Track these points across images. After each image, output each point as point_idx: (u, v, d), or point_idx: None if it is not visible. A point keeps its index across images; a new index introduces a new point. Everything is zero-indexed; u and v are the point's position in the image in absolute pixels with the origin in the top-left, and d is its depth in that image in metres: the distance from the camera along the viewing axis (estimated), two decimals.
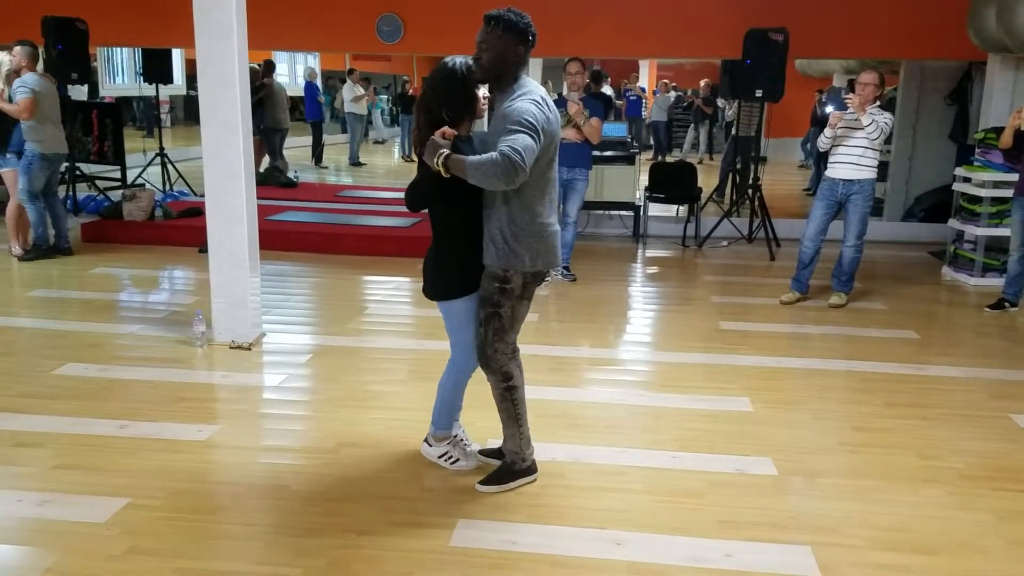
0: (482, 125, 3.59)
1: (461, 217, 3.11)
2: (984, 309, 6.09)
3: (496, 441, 3.52)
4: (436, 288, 3.23)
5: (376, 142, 19.20)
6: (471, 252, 3.12)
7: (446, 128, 2.98)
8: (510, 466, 3.32)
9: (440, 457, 3.46)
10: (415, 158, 3.19)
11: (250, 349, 4.88)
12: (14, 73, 6.60)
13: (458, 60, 3.05)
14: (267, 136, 10.73)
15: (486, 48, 2.95)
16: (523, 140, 2.80)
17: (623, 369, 4.81)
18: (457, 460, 3.45)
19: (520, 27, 2.95)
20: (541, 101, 2.94)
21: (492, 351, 3.15)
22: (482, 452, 3.52)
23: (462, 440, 3.54)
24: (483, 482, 3.30)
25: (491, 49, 2.95)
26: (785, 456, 3.64)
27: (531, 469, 3.34)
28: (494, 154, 2.80)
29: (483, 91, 3.11)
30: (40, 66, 6.98)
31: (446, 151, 2.88)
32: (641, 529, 3.04)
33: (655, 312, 6.17)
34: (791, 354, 5.08)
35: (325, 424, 3.92)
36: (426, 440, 3.52)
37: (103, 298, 5.99)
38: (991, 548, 2.98)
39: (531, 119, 2.85)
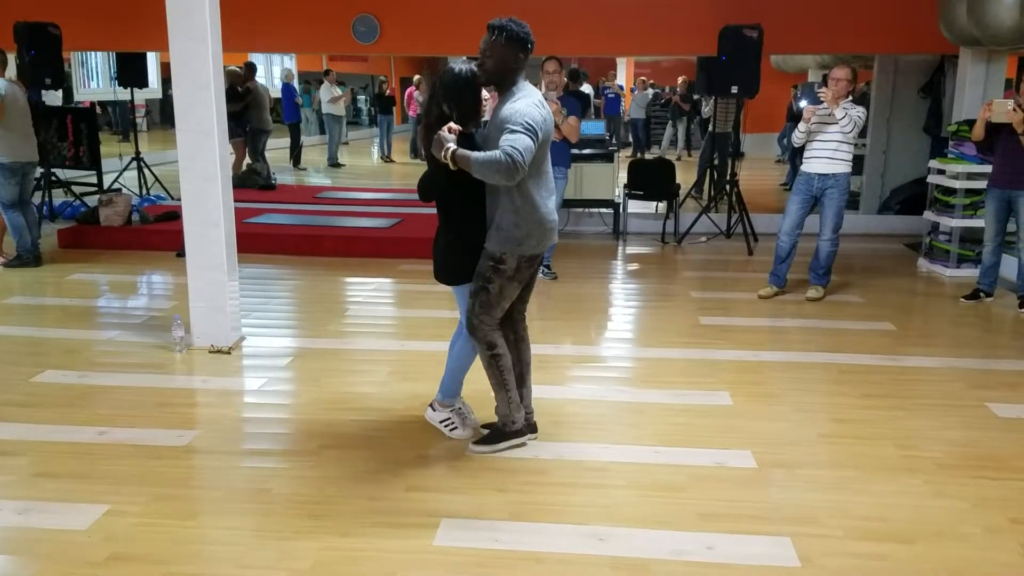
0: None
1: (472, 205, 3.37)
2: (960, 300, 6.16)
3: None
4: (452, 273, 3.49)
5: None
6: (481, 238, 3.38)
7: (452, 124, 3.23)
8: (501, 428, 3.61)
9: (442, 422, 3.71)
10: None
11: (230, 353, 4.86)
12: None
13: (463, 66, 3.33)
14: (254, 137, 10.69)
15: (490, 55, 3.26)
16: (523, 141, 3.09)
17: (605, 366, 4.83)
18: (456, 428, 3.70)
19: (521, 36, 3.25)
20: (539, 104, 3.24)
21: (478, 321, 3.43)
22: (484, 427, 3.74)
23: (464, 412, 3.77)
24: (475, 442, 3.60)
25: (494, 56, 3.26)
26: (765, 449, 3.68)
27: (521, 432, 3.61)
28: (497, 152, 3.07)
29: (485, 93, 3.41)
30: (12, 73, 6.87)
31: (452, 146, 3.13)
32: (624, 524, 3.06)
33: (635, 308, 6.20)
34: (770, 348, 5.12)
35: (306, 426, 3.91)
36: (431, 405, 3.74)
37: (81, 304, 5.95)
38: (969, 535, 3.02)
39: (531, 122, 3.15)
